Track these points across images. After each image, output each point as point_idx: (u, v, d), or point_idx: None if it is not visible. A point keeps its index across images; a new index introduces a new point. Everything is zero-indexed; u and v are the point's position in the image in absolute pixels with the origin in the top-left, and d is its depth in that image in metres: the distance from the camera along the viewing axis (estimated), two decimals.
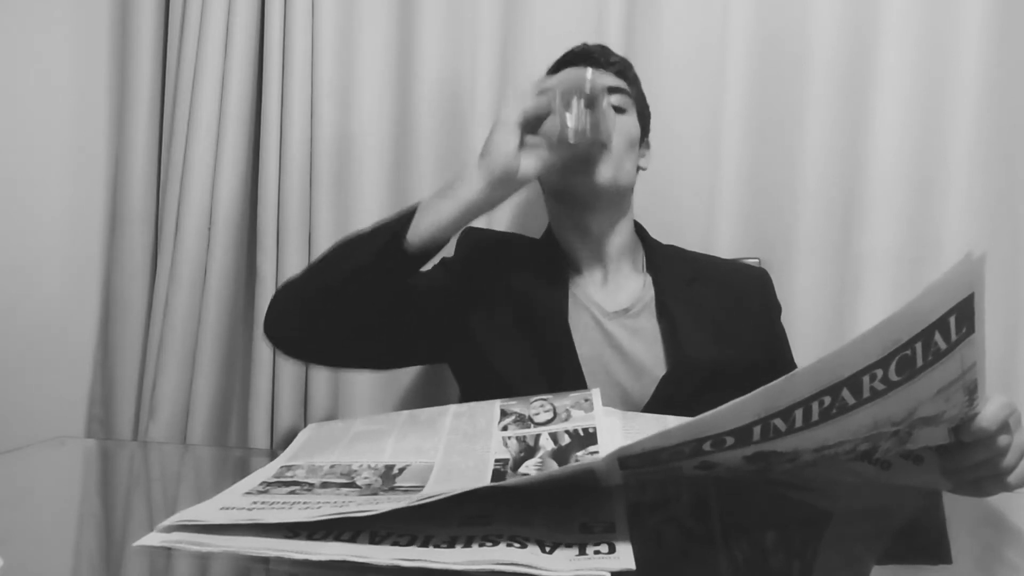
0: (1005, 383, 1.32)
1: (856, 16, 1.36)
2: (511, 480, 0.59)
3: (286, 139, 1.44)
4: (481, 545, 0.54)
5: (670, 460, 0.59)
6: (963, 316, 0.53)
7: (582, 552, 0.53)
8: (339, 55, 1.46)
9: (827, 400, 0.54)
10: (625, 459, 0.58)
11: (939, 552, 0.65)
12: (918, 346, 0.53)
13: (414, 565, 0.51)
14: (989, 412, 0.63)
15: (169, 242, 1.47)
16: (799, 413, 0.54)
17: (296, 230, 1.44)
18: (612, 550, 0.53)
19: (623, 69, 1.11)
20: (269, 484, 0.68)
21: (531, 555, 0.52)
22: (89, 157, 1.57)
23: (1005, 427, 0.65)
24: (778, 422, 0.55)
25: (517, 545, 0.54)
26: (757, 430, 0.55)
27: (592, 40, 1.18)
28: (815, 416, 0.55)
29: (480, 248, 1.11)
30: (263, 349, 1.43)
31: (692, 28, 1.40)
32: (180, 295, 1.45)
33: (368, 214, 1.46)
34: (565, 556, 0.52)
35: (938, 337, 0.53)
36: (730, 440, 0.56)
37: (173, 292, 1.45)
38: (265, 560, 0.54)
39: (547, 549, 0.53)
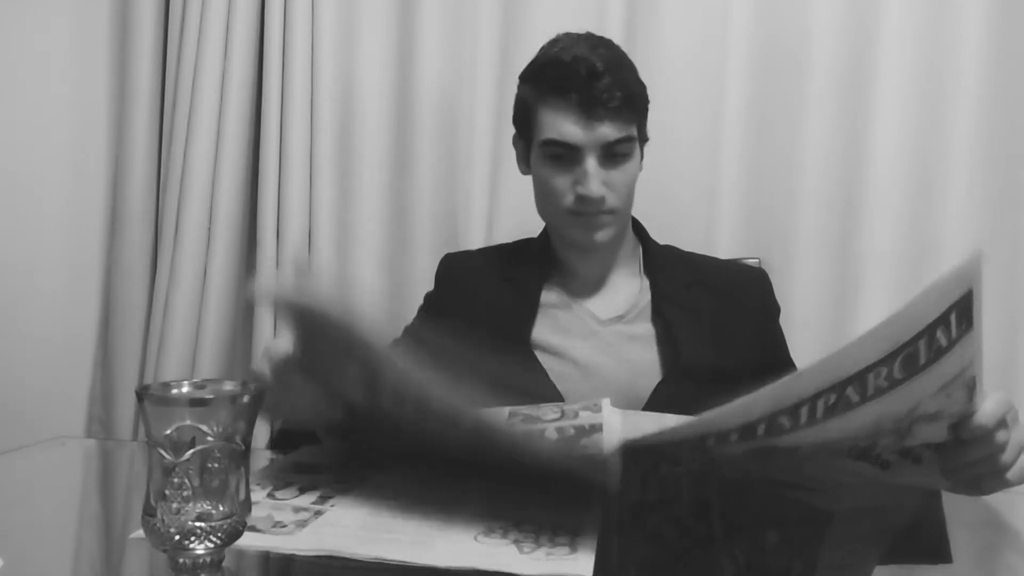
0: (1005, 383, 1.32)
1: (856, 16, 1.36)
2: (514, 426, 0.60)
3: (286, 139, 1.44)
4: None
5: (673, 455, 0.59)
6: (962, 312, 0.53)
7: (549, 551, 0.54)
8: (339, 55, 1.46)
9: (832, 398, 0.54)
10: (629, 451, 0.58)
11: (939, 552, 0.65)
12: (922, 343, 0.53)
13: (396, 562, 0.52)
14: (987, 408, 0.63)
15: (169, 242, 1.47)
16: (804, 411, 0.55)
17: (296, 230, 1.44)
18: (573, 551, 0.53)
19: (625, 96, 0.97)
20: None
21: (509, 556, 0.52)
22: (89, 157, 1.57)
23: (1002, 423, 0.65)
24: (784, 420, 0.55)
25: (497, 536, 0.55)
26: (762, 427, 0.56)
27: None
28: (819, 413, 0.55)
29: (453, 281, 1.11)
30: (263, 349, 1.43)
31: (692, 28, 1.40)
32: (180, 295, 1.45)
33: (368, 213, 1.46)
34: (535, 556, 0.53)
35: (940, 334, 0.53)
36: (734, 436, 0.56)
37: (173, 292, 1.45)
38: (265, 556, 0.54)
39: (526, 550, 0.54)
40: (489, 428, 0.61)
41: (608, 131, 0.96)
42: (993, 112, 1.33)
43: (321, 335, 0.65)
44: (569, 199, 0.99)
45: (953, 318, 0.53)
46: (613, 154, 0.98)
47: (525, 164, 1.08)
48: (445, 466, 0.69)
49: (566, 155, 0.98)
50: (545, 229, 1.13)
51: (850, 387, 0.54)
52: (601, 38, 1.03)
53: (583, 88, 0.96)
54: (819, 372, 0.54)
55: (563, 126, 0.96)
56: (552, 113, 0.97)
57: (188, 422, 0.47)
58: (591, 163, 0.97)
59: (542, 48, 1.05)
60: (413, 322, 1.11)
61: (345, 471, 0.73)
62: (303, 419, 0.76)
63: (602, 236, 1.01)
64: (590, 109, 0.95)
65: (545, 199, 1.03)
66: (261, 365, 0.74)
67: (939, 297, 0.53)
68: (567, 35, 1.04)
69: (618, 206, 1.01)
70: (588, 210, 0.99)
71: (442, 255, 1.15)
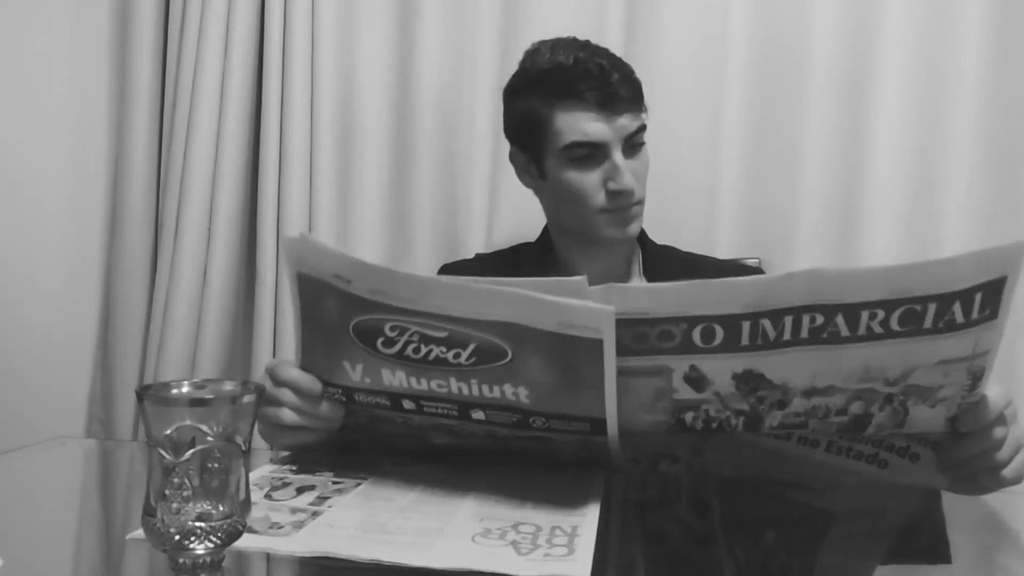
0: (1005, 383, 1.32)
1: (856, 16, 1.36)
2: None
3: (286, 138, 1.44)
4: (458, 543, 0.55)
5: (660, 344, 0.57)
6: (989, 297, 0.52)
7: (547, 552, 0.54)
8: (339, 55, 1.46)
9: (819, 319, 0.52)
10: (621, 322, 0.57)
11: (939, 552, 0.65)
12: (931, 307, 0.52)
13: (393, 563, 0.52)
14: (986, 402, 0.63)
15: (169, 242, 1.47)
16: (788, 321, 0.53)
17: (296, 230, 1.44)
18: (571, 551, 0.53)
19: (633, 87, 1.02)
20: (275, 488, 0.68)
21: (507, 559, 0.52)
22: (89, 157, 1.57)
23: (1001, 418, 0.65)
24: (767, 325, 0.54)
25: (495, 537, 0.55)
26: (746, 328, 0.54)
27: (591, 39, 1.16)
28: (804, 332, 0.53)
29: None
30: (263, 349, 1.43)
31: (692, 28, 1.40)
32: (180, 295, 1.45)
33: (368, 213, 1.46)
34: (533, 557, 0.53)
35: (958, 308, 0.52)
36: (719, 333, 0.55)
37: (173, 292, 1.45)
38: (265, 557, 0.54)
39: (524, 551, 0.54)
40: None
41: (627, 122, 0.98)
42: (993, 112, 1.33)
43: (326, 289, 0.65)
44: (600, 198, 0.99)
45: (978, 299, 0.52)
46: (632, 145, 1.00)
47: (528, 176, 1.07)
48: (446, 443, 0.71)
49: (591, 155, 0.98)
50: (545, 231, 1.13)
51: (840, 316, 0.53)
52: (579, 40, 1.03)
53: (598, 85, 0.97)
54: (809, 282, 0.52)
55: (586, 125, 0.97)
56: (570, 116, 0.98)
57: (188, 422, 0.47)
58: (619, 156, 0.98)
59: (525, 61, 1.04)
60: None
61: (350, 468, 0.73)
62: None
63: (634, 228, 1.02)
64: (609, 104, 0.97)
65: (573, 203, 1.01)
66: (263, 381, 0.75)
67: (968, 271, 0.51)
68: (543, 43, 1.04)
69: (644, 196, 1.02)
70: (621, 204, 0.99)
71: (442, 255, 1.15)
